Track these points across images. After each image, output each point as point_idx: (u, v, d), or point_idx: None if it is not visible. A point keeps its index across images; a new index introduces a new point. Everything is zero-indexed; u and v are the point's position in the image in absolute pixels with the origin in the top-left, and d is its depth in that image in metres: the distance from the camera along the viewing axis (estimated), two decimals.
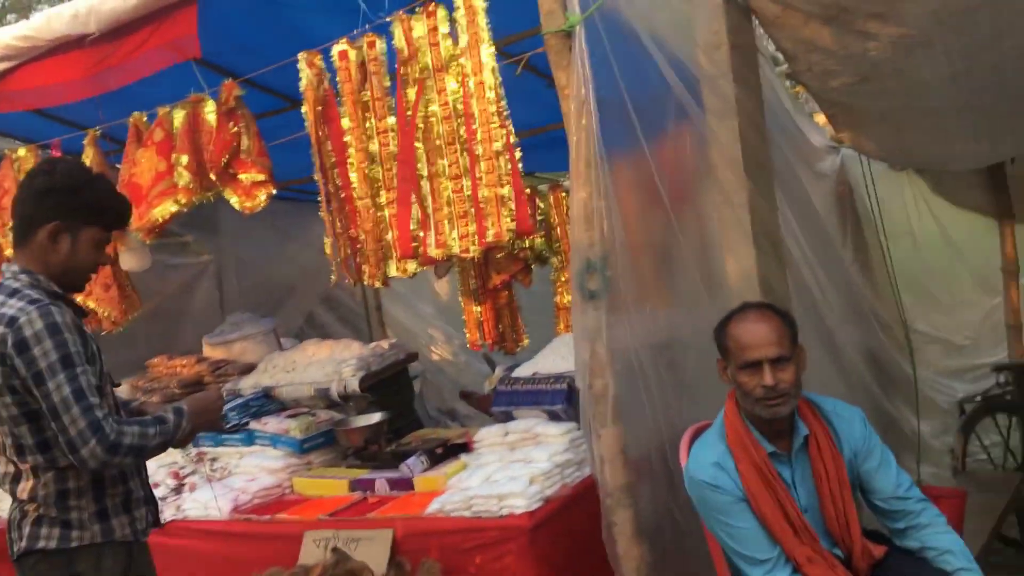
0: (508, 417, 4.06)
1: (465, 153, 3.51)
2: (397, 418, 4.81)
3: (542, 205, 5.57)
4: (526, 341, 5.77)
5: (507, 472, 3.61)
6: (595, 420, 3.18)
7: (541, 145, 5.01)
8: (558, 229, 5.59)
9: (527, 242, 5.18)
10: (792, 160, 4.42)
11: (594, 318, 3.16)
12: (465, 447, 4.17)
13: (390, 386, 4.96)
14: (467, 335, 5.80)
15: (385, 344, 5.12)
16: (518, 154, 3.46)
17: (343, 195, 3.96)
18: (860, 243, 5.65)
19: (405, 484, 3.96)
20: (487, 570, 3.38)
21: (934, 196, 6.30)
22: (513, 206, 3.42)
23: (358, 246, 3.99)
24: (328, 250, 4.15)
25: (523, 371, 4.21)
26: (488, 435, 3.98)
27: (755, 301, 2.85)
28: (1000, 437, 5.64)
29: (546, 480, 3.51)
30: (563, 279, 5.59)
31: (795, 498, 2.74)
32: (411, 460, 4.00)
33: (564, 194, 5.55)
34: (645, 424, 3.21)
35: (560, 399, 3.90)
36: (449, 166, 3.55)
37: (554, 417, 3.91)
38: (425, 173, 3.63)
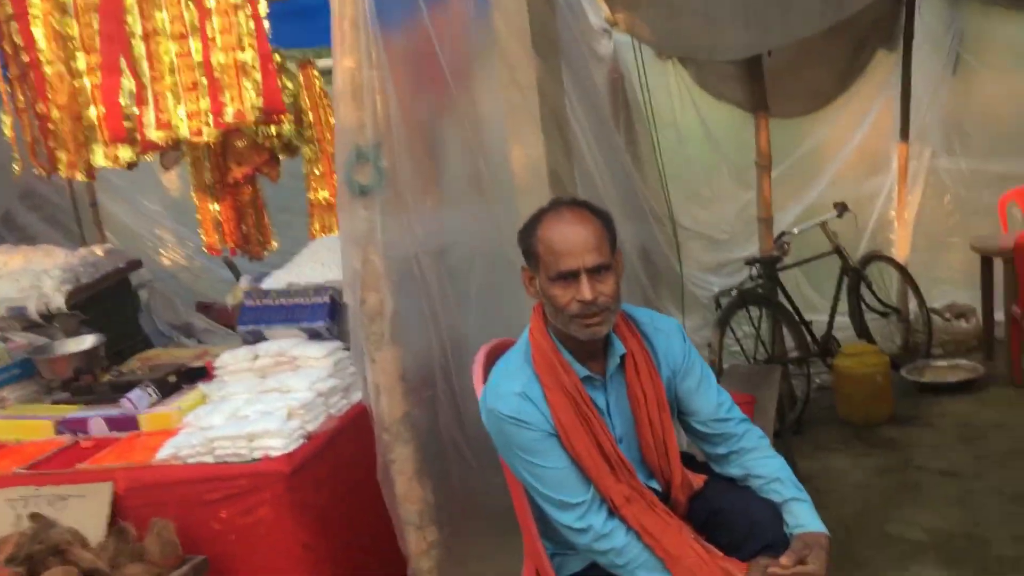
0: (258, 338, 3.36)
1: (192, 4, 2.70)
2: (117, 339, 3.97)
3: (290, 85, 4.75)
4: (275, 245, 5.00)
5: (259, 405, 2.94)
6: (368, 342, 2.60)
7: (290, 14, 4.19)
8: (310, 114, 4.79)
9: (273, 129, 4.38)
10: (576, 38, 3.93)
11: (366, 219, 2.55)
12: (204, 372, 3.47)
13: (106, 301, 4.09)
14: (203, 237, 4.92)
15: (99, 250, 4.21)
16: (263, 8, 2.71)
17: (26, 58, 3.01)
18: (632, 134, 5.34)
19: (128, 423, 3.17)
20: (235, 526, 2.75)
21: (696, 88, 6.11)
22: (259, 76, 2.70)
23: (49, 126, 3.07)
24: (8, 132, 3.22)
25: (275, 281, 3.50)
26: (233, 360, 3.26)
27: (568, 198, 2.32)
28: (752, 329, 5.64)
29: (307, 413, 2.88)
30: (316, 172, 4.82)
31: (610, 427, 2.32)
32: (135, 392, 3.22)
33: (317, 73, 4.78)
34: (427, 345, 2.68)
35: (321, 315, 3.24)
36: (171, 21, 2.74)
37: (314, 336, 3.25)
38: (139, 30, 2.78)
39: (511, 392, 2.25)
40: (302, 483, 2.74)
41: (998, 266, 6.02)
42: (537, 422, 2.23)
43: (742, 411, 2.42)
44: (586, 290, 2.15)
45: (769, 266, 5.58)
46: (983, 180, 6.50)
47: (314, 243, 3.78)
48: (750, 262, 5.62)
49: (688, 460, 2.42)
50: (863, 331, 6.01)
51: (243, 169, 4.55)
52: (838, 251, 5.92)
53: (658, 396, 2.32)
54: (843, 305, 5.95)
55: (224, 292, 4.55)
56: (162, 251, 6.51)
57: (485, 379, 2.42)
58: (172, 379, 3.37)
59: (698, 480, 2.39)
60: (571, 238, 2.18)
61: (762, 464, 2.36)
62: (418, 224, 2.61)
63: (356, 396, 3.00)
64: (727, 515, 2.31)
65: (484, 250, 2.73)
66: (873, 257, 6.17)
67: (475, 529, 2.70)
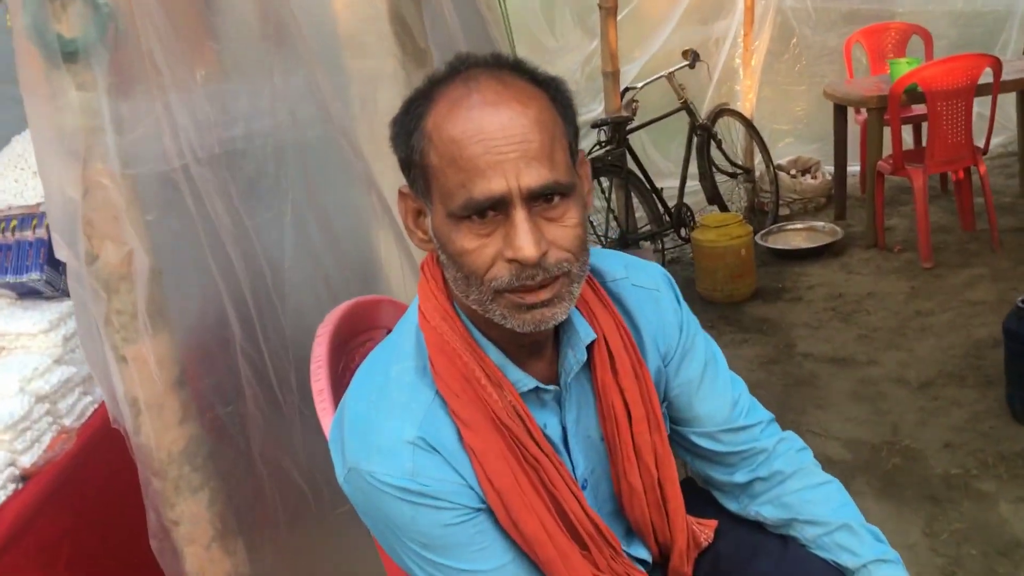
0: None
1: None
2: None
3: None
4: None
5: None
6: (110, 328, 1.42)
7: None
8: None
9: None
10: None
11: (83, 107, 1.32)
12: None
13: None
14: None
15: None
16: None
17: None
18: None
19: None
20: None
21: None
22: None
23: None
24: None
25: None
26: None
27: (485, 56, 1.13)
28: (603, 203, 4.78)
29: (19, 437, 1.66)
30: None
31: (570, 470, 1.28)
32: None
33: None
34: (220, 326, 1.53)
35: (36, 261, 1.89)
36: None
37: (28, 295, 1.95)
38: None
39: (398, 440, 1.14)
40: (13, 567, 1.55)
41: (851, 117, 5.41)
42: (452, 492, 1.15)
43: None
44: (525, 239, 1.05)
45: (619, 129, 4.73)
46: (829, 20, 5.84)
47: (13, 141, 2.36)
48: (597, 125, 4.74)
49: (688, 489, 1.43)
50: (715, 196, 5.29)
51: None
52: (687, 107, 5.13)
53: (649, 406, 1.28)
54: (692, 168, 5.21)
55: None
56: None
57: (337, 388, 1.33)
58: None
59: (706, 531, 1.42)
60: (493, 133, 1.05)
61: (814, 499, 1.39)
62: (184, 112, 1.40)
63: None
64: None
65: (305, 145, 1.58)
66: (721, 112, 5.40)
67: None
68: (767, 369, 3.91)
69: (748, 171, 5.66)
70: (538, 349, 1.23)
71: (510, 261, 1.07)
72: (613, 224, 4.76)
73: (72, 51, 1.28)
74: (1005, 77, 4.55)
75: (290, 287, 1.62)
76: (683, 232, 5.04)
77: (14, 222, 1.92)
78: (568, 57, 4.86)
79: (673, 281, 1.39)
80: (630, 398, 1.26)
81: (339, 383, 1.38)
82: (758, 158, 5.71)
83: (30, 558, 1.58)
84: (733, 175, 5.53)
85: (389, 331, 1.54)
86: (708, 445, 1.40)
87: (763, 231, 5.29)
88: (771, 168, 5.56)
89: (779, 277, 4.87)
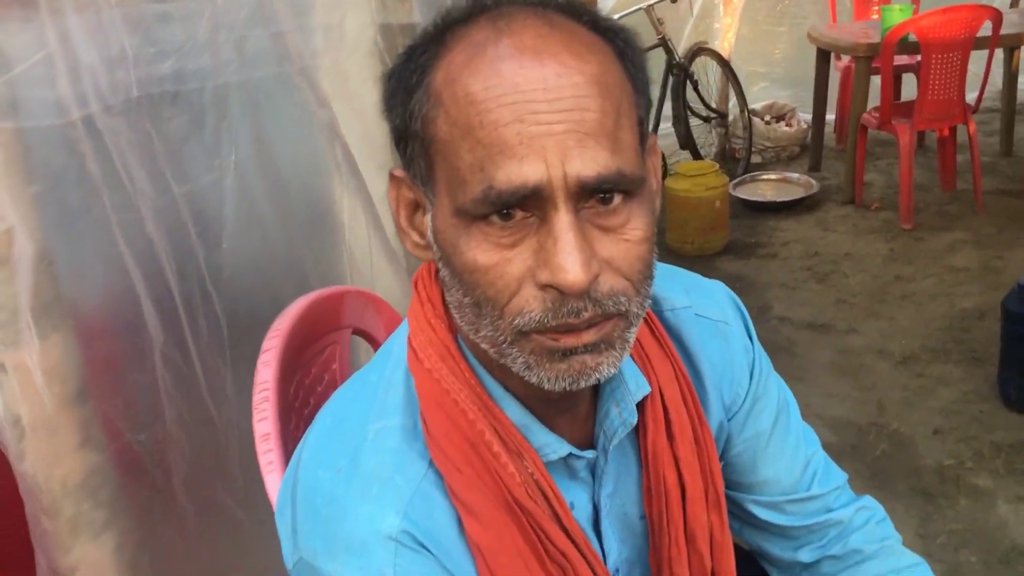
0: None
1: None
2: None
3: None
4: None
5: None
6: None
7: None
8: None
9: None
10: None
11: None
12: None
13: None
14: None
15: None
16: None
17: None
18: None
19: None
20: None
21: None
22: None
23: None
24: None
25: None
26: None
27: None
28: None
29: None
30: None
31: (604, 550, 0.96)
32: None
33: None
34: (134, 325, 1.16)
35: None
36: None
37: None
38: None
39: (374, 533, 0.80)
40: None
41: (832, 64, 5.11)
42: None
43: None
44: (570, 255, 0.69)
45: None
46: None
47: None
48: None
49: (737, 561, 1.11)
50: (688, 141, 4.97)
51: None
52: (664, 44, 4.77)
53: (709, 480, 0.96)
54: (665, 110, 4.89)
55: None
56: None
57: (287, 419, 0.98)
58: None
59: None
60: (532, 94, 0.68)
61: None
62: (89, 43, 1.01)
63: None
64: None
65: (254, 87, 1.20)
66: (699, 50, 5.06)
67: None
68: None
69: (722, 115, 5.35)
70: (572, 404, 0.90)
71: (545, 287, 0.72)
72: None
73: None
74: (1004, 31, 4.27)
75: (230, 271, 1.26)
76: None
77: None
78: None
79: (743, 308, 1.05)
80: (687, 470, 0.93)
81: (291, 413, 1.04)
82: (732, 101, 5.40)
83: None
84: (707, 119, 5.22)
85: (356, 331, 1.20)
86: (770, 517, 1.08)
87: (735, 180, 5.00)
88: (745, 113, 5.26)
89: (752, 231, 4.61)
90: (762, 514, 1.08)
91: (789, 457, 1.07)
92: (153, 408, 1.18)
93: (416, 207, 0.82)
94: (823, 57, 4.99)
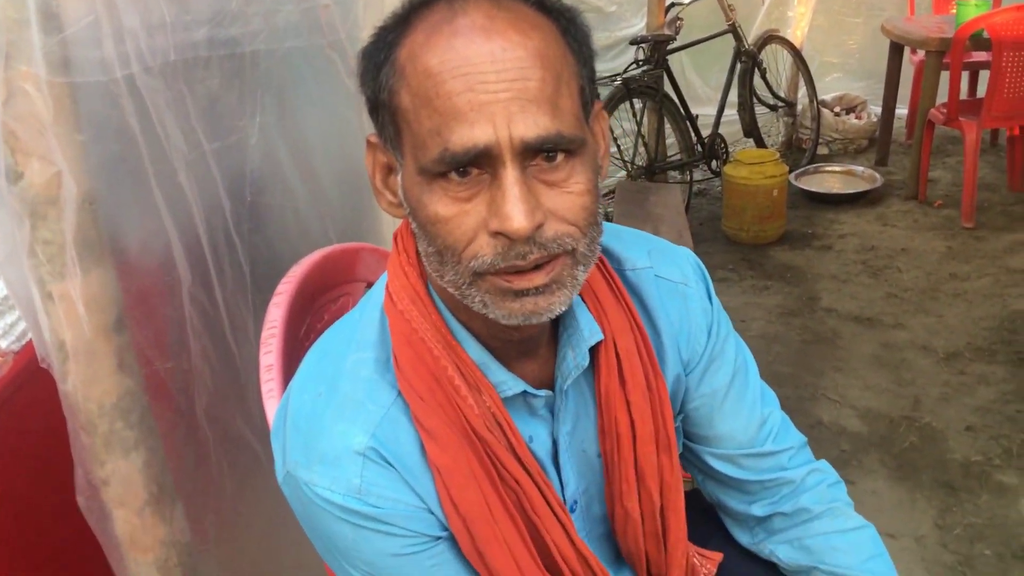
0: None
1: None
2: None
3: None
4: None
5: None
6: (35, 259, 1.19)
7: None
8: None
9: None
10: None
11: None
12: None
13: None
14: None
15: None
16: None
17: None
18: None
19: None
20: None
21: None
22: None
23: None
24: None
25: None
26: None
27: None
28: (633, 126, 4.48)
29: None
30: None
31: (558, 490, 1.06)
32: None
33: None
34: (166, 264, 1.30)
35: None
36: None
37: None
38: None
39: (345, 448, 0.92)
40: None
41: (907, 57, 5.04)
42: (406, 517, 0.94)
43: None
44: (515, 205, 0.81)
45: (659, 48, 4.40)
46: None
47: None
48: (637, 42, 4.40)
49: (693, 506, 1.20)
50: (753, 129, 4.96)
51: None
52: (734, 30, 4.77)
53: (660, 423, 1.05)
54: (732, 96, 4.89)
55: None
56: None
57: (294, 359, 1.11)
58: None
59: (708, 564, 1.19)
60: (481, 66, 0.80)
61: (842, 547, 1.15)
62: (132, 9, 1.14)
63: None
64: None
65: (284, 57, 1.32)
66: (770, 38, 5.03)
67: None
68: (786, 322, 3.68)
69: (790, 104, 5.32)
70: (531, 347, 1.00)
71: (495, 234, 0.82)
72: (641, 151, 4.47)
73: None
74: None
75: (254, 223, 1.38)
76: (715, 165, 4.74)
77: None
78: None
79: (706, 272, 1.14)
80: (637, 413, 1.03)
81: (299, 351, 1.16)
82: (801, 91, 5.36)
83: None
84: (774, 107, 5.20)
85: (370, 285, 1.32)
86: (726, 470, 1.17)
87: (798, 170, 4.99)
88: (815, 103, 5.22)
89: (810, 222, 4.60)
90: (718, 466, 1.17)
91: (745, 415, 1.15)
92: (180, 341, 1.32)
93: (389, 170, 0.93)
94: (896, 50, 4.93)
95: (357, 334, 0.99)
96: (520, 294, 0.86)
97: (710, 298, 1.12)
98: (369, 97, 0.89)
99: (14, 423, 1.53)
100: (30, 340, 1.61)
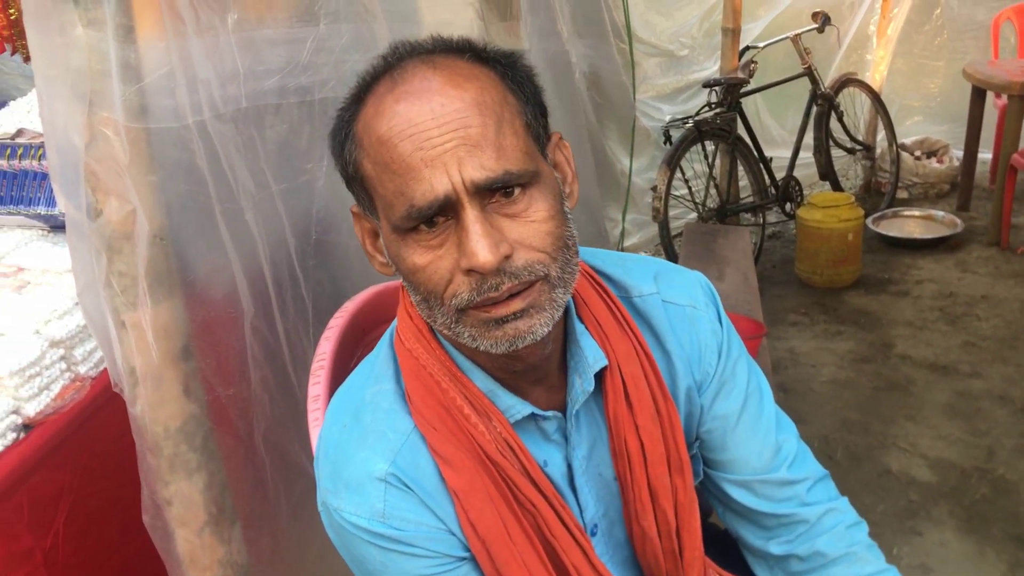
0: None
1: None
2: None
3: None
4: None
5: None
6: (111, 290, 1.28)
7: None
8: None
9: None
10: None
11: (91, 44, 1.14)
12: None
13: None
14: None
15: None
16: None
17: None
18: None
19: None
20: None
21: None
22: None
23: None
24: None
25: None
26: None
27: (424, 41, 0.95)
28: (705, 168, 4.48)
29: (27, 384, 1.53)
30: None
31: (577, 515, 1.10)
32: None
33: None
34: (230, 298, 1.37)
35: (75, 193, 1.81)
36: None
37: (60, 229, 1.83)
38: None
39: (367, 475, 0.99)
40: (8, 521, 1.46)
41: (990, 100, 4.93)
42: (428, 538, 0.99)
43: (748, 346, 1.20)
44: (478, 242, 0.86)
45: (732, 91, 4.40)
46: None
47: None
48: (710, 85, 4.41)
49: (714, 534, 1.20)
50: (828, 172, 4.91)
51: None
52: (809, 73, 4.74)
53: (672, 446, 1.08)
54: (807, 139, 4.85)
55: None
56: None
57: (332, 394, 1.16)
58: None
59: None
60: (424, 124, 0.87)
61: None
62: (207, 62, 1.23)
63: None
64: None
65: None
66: (847, 81, 4.99)
67: None
68: (858, 368, 3.61)
69: (868, 148, 5.25)
70: (540, 376, 1.04)
71: (468, 272, 0.89)
72: (713, 192, 4.47)
73: None
74: None
75: (318, 260, 1.45)
76: (788, 207, 4.70)
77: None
78: (686, 10, 4.51)
79: (715, 294, 1.16)
80: (646, 435, 1.06)
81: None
82: (881, 135, 5.29)
83: (22, 514, 1.49)
84: (851, 151, 5.14)
85: None
86: (742, 498, 1.17)
87: (876, 214, 4.91)
88: (894, 147, 5.15)
89: (886, 267, 4.52)
90: (735, 493, 1.17)
91: (760, 440, 1.16)
92: (242, 369, 1.39)
93: (375, 234, 1.00)
94: (978, 94, 4.83)
95: (376, 369, 1.06)
96: (501, 322, 0.91)
97: (720, 320, 1.14)
98: (340, 172, 0.97)
99: (89, 444, 1.63)
100: (105, 367, 1.71)
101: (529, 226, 0.90)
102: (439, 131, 0.86)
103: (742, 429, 1.15)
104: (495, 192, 0.88)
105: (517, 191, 0.89)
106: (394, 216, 0.90)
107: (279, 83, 1.34)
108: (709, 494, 1.22)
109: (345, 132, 0.94)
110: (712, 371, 1.13)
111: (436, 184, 0.86)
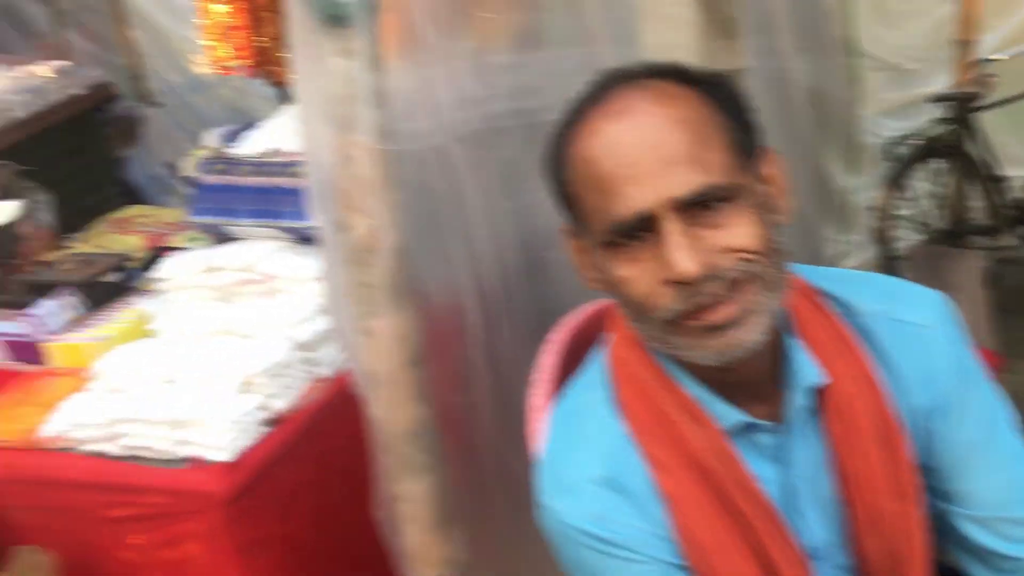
0: (223, 236, 2.08)
1: None
2: (77, 195, 2.84)
3: None
4: None
5: (209, 357, 1.76)
6: (356, 300, 1.39)
7: None
8: None
9: None
10: None
11: (345, 76, 1.27)
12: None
13: (63, 142, 2.92)
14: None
15: (47, 69, 2.97)
16: None
17: None
18: None
19: (30, 352, 2.04)
20: (154, 560, 1.68)
21: None
22: None
23: None
24: None
25: (252, 143, 2.15)
26: (180, 269, 2.01)
27: (637, 67, 0.97)
28: (933, 187, 4.24)
29: (274, 382, 1.69)
30: None
31: (793, 533, 1.05)
32: (48, 303, 2.10)
33: None
34: (462, 310, 1.45)
35: None
36: None
37: (305, 242, 1.96)
38: None
39: (583, 477, 1.02)
40: (255, 508, 1.61)
41: None
42: (644, 543, 1.01)
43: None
44: (678, 252, 0.88)
45: (963, 106, 4.14)
46: None
47: None
48: (937, 99, 4.17)
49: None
50: None
51: None
52: None
53: (893, 469, 1.03)
54: None
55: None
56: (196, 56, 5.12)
57: (552, 402, 1.21)
58: (110, 278, 2.19)
59: None
60: (625, 143, 0.91)
61: None
62: (448, 85, 1.31)
63: None
64: None
65: None
66: None
67: None
68: None
69: None
70: (753, 390, 1.03)
71: (671, 284, 0.90)
72: (941, 213, 4.22)
73: (340, 15, 1.22)
74: None
75: (539, 276, 1.51)
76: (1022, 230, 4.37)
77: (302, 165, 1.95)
78: (913, 22, 4.27)
79: (954, 315, 1.08)
80: (869, 459, 1.02)
81: None
82: None
83: (264, 507, 1.63)
84: None
85: None
86: (976, 535, 1.08)
87: None
88: None
89: None
90: (967, 529, 1.08)
91: (1000, 473, 1.07)
92: (466, 378, 1.47)
93: (581, 249, 1.04)
94: None
95: (591, 378, 1.10)
96: (714, 329, 0.92)
97: (957, 342, 1.07)
98: (554, 193, 1.02)
99: (327, 441, 1.76)
100: (338, 370, 1.84)
101: (732, 236, 0.91)
102: (639, 147, 0.90)
103: (980, 459, 1.08)
104: (697, 206, 0.90)
105: (720, 204, 0.91)
106: (597, 231, 0.94)
107: (508, 106, 1.41)
108: (938, 528, 1.17)
109: (554, 154, 1.00)
110: (946, 395, 1.06)
111: (636, 199, 0.89)
